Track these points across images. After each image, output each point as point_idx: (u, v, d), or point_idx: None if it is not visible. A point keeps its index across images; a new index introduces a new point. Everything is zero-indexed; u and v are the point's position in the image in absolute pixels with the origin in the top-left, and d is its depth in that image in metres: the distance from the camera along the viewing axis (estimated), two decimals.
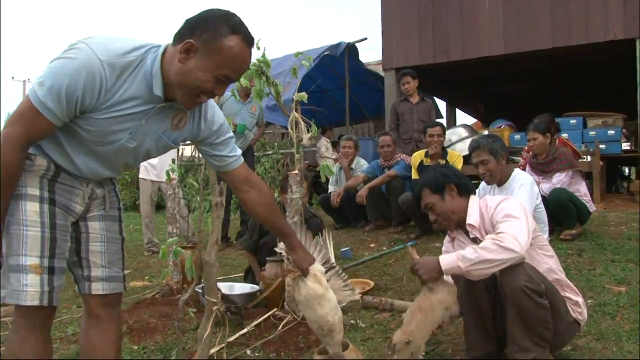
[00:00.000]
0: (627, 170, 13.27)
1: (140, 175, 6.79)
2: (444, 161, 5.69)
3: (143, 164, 6.47)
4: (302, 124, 3.75)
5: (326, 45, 10.69)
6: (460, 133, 8.16)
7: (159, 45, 1.83)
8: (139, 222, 7.23)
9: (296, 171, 3.56)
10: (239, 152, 2.17)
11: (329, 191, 6.88)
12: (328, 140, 10.95)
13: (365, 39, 11.27)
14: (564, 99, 11.83)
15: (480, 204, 2.65)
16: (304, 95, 3.74)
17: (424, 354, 2.54)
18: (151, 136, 1.94)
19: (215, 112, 2.07)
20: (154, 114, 1.88)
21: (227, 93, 6.56)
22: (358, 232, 6.23)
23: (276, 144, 11.01)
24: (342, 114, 11.93)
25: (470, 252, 2.29)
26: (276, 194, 6.01)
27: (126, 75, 1.78)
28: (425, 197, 2.71)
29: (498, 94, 12.70)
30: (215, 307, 2.74)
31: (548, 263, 2.56)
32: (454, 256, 2.33)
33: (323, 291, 2.37)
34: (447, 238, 2.86)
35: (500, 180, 4.02)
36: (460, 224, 2.68)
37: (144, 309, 3.86)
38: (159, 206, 7.79)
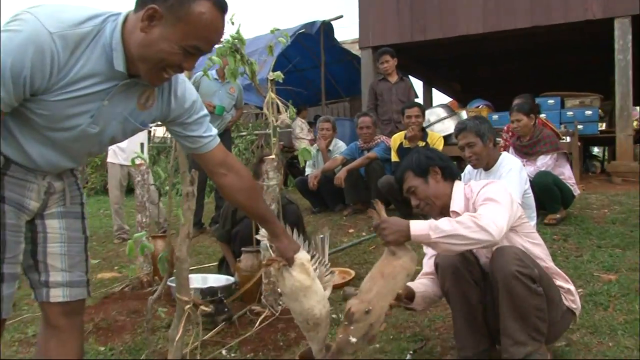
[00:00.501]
0: (595, 149, 13.37)
1: (109, 159, 6.47)
2: (424, 143, 5.51)
3: (111, 147, 6.17)
4: (280, 105, 3.53)
5: (301, 23, 10.45)
6: (439, 113, 7.98)
7: (119, 13, 1.59)
8: (109, 207, 6.93)
9: (273, 155, 3.34)
10: (215, 131, 1.96)
11: (306, 174, 6.66)
12: (303, 120, 10.73)
13: (341, 16, 11.02)
14: (541, 79, 11.75)
15: (464, 190, 2.49)
16: (279, 74, 3.58)
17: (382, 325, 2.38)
18: (116, 119, 1.70)
19: (186, 88, 1.84)
20: (117, 93, 1.64)
21: (209, 73, 6.33)
22: (336, 217, 6.04)
23: (250, 124, 10.73)
24: (318, 93, 11.72)
25: (444, 223, 2.14)
26: None
27: (82, 50, 1.53)
28: (408, 180, 2.55)
29: (475, 74, 12.57)
30: (187, 307, 2.54)
31: (535, 251, 2.41)
32: (426, 223, 2.16)
33: (310, 282, 2.20)
34: None
35: (487, 164, 3.85)
36: (444, 210, 2.50)
37: (112, 305, 3.64)
38: (130, 190, 7.47)
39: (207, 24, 1.54)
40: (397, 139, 5.72)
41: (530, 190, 4.02)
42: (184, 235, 2.58)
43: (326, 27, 10.77)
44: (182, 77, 1.83)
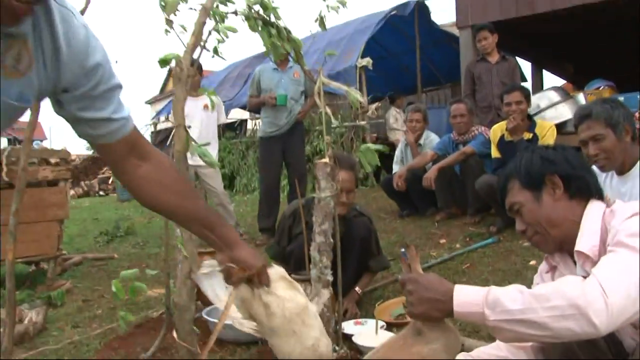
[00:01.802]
0: None
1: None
2: (531, 135, 4.50)
3: None
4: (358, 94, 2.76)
5: (393, 5, 9.67)
6: (551, 97, 6.81)
7: None
8: None
9: (326, 159, 2.56)
10: (127, 111, 1.28)
11: (393, 172, 5.82)
12: (398, 110, 9.89)
13: None
14: None
15: (604, 216, 1.56)
16: (369, 60, 3.16)
17: None
18: None
19: (88, 36, 1.15)
20: None
21: (265, 65, 5.67)
22: (426, 222, 5.18)
23: (340, 115, 9.98)
24: (414, 80, 10.82)
25: (513, 295, 1.35)
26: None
27: None
28: (512, 193, 1.69)
29: (592, 51, 11.09)
30: None
31: None
32: (480, 294, 1.38)
33: (305, 300, 1.53)
34: (543, 264, 1.80)
35: (621, 165, 2.66)
36: (565, 245, 1.62)
37: (141, 337, 3.02)
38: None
39: None
40: (498, 130, 4.71)
41: None
42: (184, 275, 1.89)
43: (420, 8, 10.01)
44: (80, 21, 1.12)
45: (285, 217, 3.31)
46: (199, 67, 5.68)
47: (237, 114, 12.63)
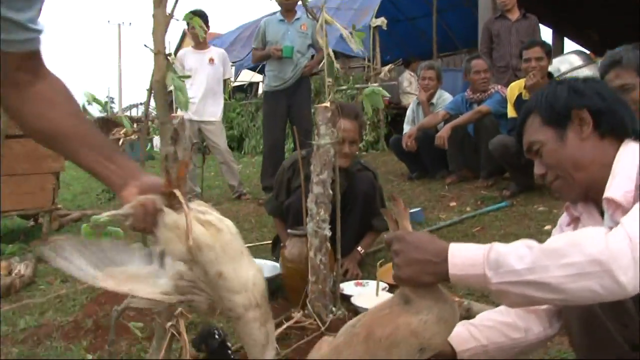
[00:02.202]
0: None
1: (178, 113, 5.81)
2: None
3: None
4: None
5: None
6: (572, 61, 6.51)
7: None
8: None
9: (326, 103, 2.34)
10: (43, 27, 1.10)
11: (403, 132, 5.58)
12: (412, 73, 9.58)
13: None
14: None
15: None
16: (383, 20, 3.06)
17: None
18: None
19: None
20: None
21: (271, 17, 5.41)
22: (436, 185, 4.96)
23: (351, 77, 9.68)
24: (429, 44, 10.50)
25: (520, 252, 1.09)
26: None
27: None
28: (532, 131, 1.45)
29: (618, 19, 10.66)
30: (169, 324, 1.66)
31: None
32: (480, 253, 1.12)
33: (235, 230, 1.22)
34: (563, 216, 1.57)
35: None
36: (591, 192, 1.38)
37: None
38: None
39: None
40: (515, 88, 4.42)
41: None
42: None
43: None
44: None
45: (284, 169, 3.11)
46: (205, 19, 5.46)
47: (247, 76, 12.39)
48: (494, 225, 3.61)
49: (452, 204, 4.32)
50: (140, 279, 1.23)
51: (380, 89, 2.51)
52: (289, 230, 2.69)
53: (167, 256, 1.26)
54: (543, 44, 4.40)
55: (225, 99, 5.99)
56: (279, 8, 5.18)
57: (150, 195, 1.15)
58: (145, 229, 1.15)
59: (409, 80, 9.45)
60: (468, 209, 4.11)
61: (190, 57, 5.50)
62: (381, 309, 1.26)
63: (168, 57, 1.76)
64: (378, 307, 1.29)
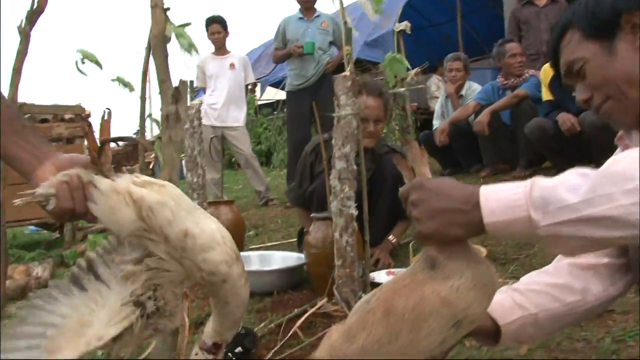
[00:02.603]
0: None
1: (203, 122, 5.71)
2: None
3: (203, 107, 5.38)
4: None
5: None
6: None
7: None
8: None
9: (347, 72, 2.16)
10: None
11: (433, 128, 5.38)
12: (440, 77, 9.41)
13: None
14: None
15: None
16: (407, 24, 2.96)
17: None
18: None
19: None
20: None
21: (290, 15, 5.30)
22: (471, 180, 4.72)
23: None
24: (456, 49, 10.33)
25: (572, 182, 0.86)
26: None
27: None
28: (570, 49, 1.19)
29: None
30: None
31: None
32: (520, 190, 0.88)
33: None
34: (618, 151, 1.27)
35: None
36: None
37: None
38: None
39: None
40: (549, 70, 4.18)
41: None
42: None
43: None
44: None
45: (306, 154, 2.96)
46: (224, 25, 5.39)
47: (271, 94, 12.38)
48: None
49: None
50: (93, 315, 1.02)
51: (402, 57, 2.35)
52: (312, 215, 2.51)
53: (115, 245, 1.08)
54: None
55: (250, 115, 5.88)
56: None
57: (72, 170, 0.99)
58: (74, 210, 0.98)
59: (436, 84, 9.29)
60: None
61: (210, 63, 5.41)
62: (402, 278, 1.02)
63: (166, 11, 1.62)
64: (397, 277, 1.05)
